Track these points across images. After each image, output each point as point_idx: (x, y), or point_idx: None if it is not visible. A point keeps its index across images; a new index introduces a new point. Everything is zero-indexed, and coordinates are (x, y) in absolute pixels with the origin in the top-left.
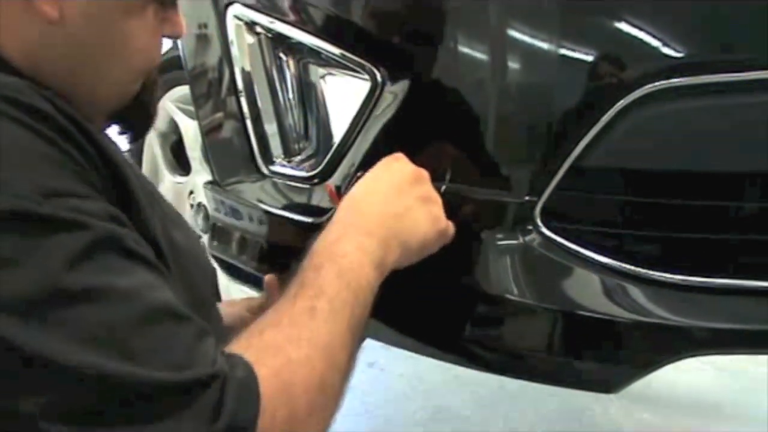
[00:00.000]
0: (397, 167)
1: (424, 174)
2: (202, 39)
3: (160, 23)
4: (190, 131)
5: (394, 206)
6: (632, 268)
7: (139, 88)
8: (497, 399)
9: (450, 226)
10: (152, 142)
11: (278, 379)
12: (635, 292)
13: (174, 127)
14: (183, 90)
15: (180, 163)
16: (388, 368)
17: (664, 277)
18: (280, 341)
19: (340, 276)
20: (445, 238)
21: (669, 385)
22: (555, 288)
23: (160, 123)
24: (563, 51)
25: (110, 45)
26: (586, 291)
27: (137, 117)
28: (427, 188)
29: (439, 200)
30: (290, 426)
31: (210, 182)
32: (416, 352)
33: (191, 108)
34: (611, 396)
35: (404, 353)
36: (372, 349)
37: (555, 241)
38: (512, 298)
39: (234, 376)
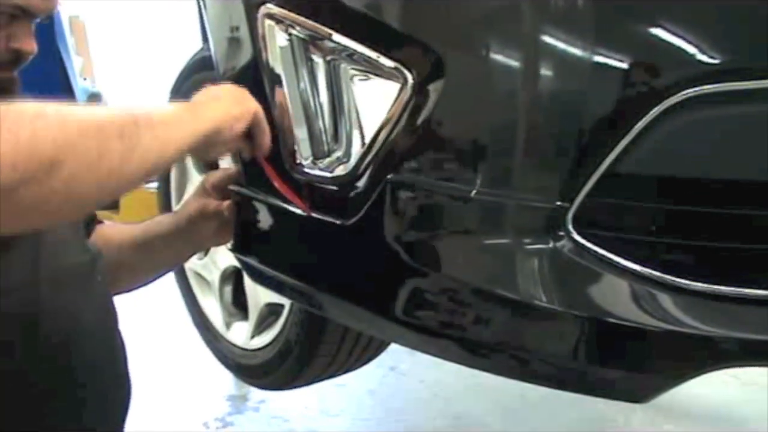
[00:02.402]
0: None
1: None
2: (234, 41)
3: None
4: None
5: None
6: (665, 276)
7: None
8: (519, 407)
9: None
10: None
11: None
12: (667, 301)
13: None
14: None
15: (207, 163)
16: (409, 373)
17: (697, 286)
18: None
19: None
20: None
21: (693, 397)
22: (585, 295)
23: None
24: (598, 57)
25: None
26: (618, 299)
27: None
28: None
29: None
30: None
31: (238, 183)
32: (440, 357)
33: None
34: (634, 406)
35: (427, 358)
36: (394, 354)
37: (587, 247)
38: (541, 304)
39: None
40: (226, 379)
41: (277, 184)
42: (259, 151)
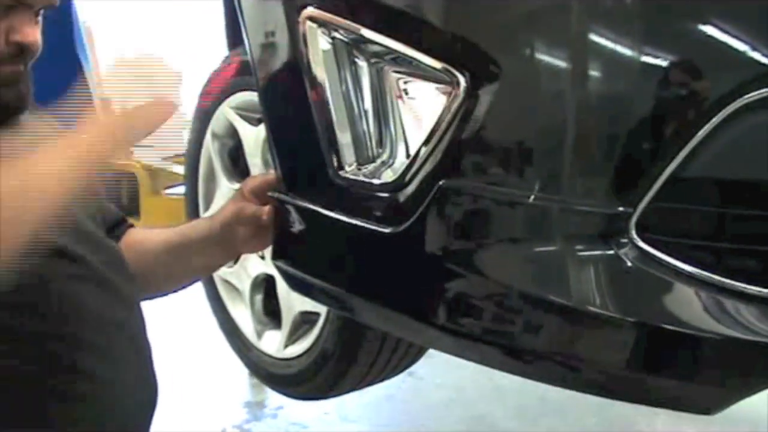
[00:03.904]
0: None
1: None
2: (274, 45)
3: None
4: (250, 138)
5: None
6: (733, 283)
7: None
8: (539, 411)
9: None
10: (209, 147)
11: None
12: (738, 310)
13: (231, 132)
14: (243, 96)
15: (236, 169)
16: (427, 378)
17: (765, 293)
18: None
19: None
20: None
21: None
22: (653, 303)
23: (217, 128)
24: (663, 58)
25: None
26: (686, 307)
27: None
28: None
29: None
30: None
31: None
32: (495, 366)
33: (251, 114)
34: (657, 410)
35: (444, 362)
36: None
37: (650, 254)
38: (606, 313)
39: None
40: (243, 386)
41: None
42: None
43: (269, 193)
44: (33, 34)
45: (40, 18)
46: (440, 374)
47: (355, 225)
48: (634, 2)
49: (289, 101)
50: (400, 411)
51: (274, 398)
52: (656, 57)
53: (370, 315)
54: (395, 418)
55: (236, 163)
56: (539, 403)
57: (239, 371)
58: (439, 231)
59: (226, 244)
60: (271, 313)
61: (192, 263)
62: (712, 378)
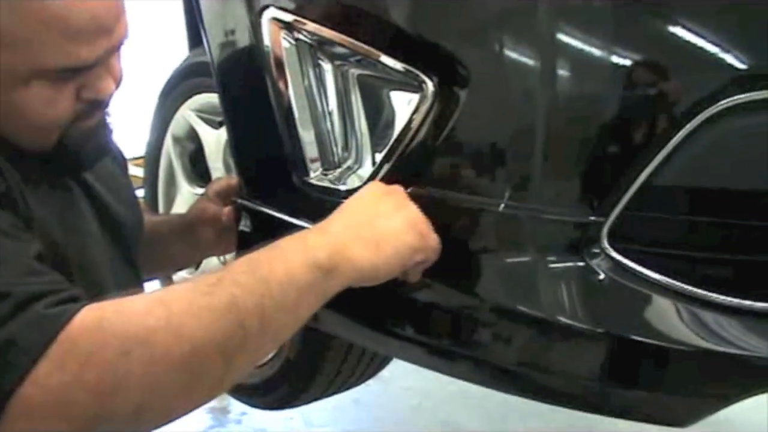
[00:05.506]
0: (367, 190)
1: (397, 188)
2: (235, 47)
3: (64, 91)
4: (212, 141)
5: (363, 214)
6: (709, 294)
7: (56, 139)
8: (504, 413)
9: (434, 237)
10: (169, 150)
11: (98, 320)
12: (712, 320)
13: (192, 135)
14: (204, 98)
15: (198, 172)
16: (393, 382)
17: (742, 304)
18: (144, 296)
19: (251, 263)
20: (428, 243)
21: None
22: (625, 314)
23: (177, 130)
24: (636, 63)
25: (5, 111)
26: (658, 318)
27: (66, 160)
28: (401, 197)
29: (415, 208)
30: (87, 358)
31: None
32: (451, 374)
33: (213, 117)
34: None
35: (410, 367)
36: None
37: (622, 263)
38: (578, 324)
39: (37, 309)
40: None
41: None
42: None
43: (232, 198)
44: (107, 87)
45: (118, 54)
46: (407, 378)
47: None
48: (607, 4)
49: (251, 105)
50: (366, 415)
51: (237, 404)
52: (629, 62)
53: (335, 324)
54: (362, 423)
55: (197, 167)
56: (504, 405)
57: None
58: None
59: (192, 243)
60: None
61: (158, 258)
62: (685, 390)
